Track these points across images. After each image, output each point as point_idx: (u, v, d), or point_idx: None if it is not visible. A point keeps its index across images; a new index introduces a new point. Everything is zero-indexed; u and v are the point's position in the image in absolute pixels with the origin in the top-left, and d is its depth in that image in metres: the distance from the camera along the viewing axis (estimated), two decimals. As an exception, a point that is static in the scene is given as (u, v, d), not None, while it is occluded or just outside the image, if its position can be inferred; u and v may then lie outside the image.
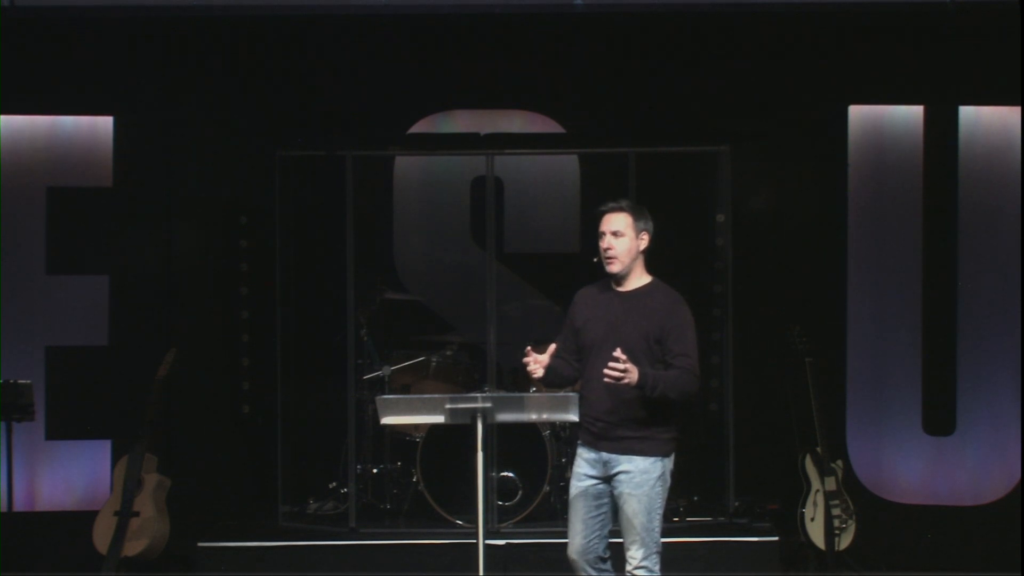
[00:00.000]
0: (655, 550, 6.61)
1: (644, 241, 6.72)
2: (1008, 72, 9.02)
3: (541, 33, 9.55)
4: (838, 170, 9.52)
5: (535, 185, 9.90)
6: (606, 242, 6.67)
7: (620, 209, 6.71)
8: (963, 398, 9.42)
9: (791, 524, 8.89)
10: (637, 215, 6.71)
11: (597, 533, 6.65)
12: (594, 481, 6.66)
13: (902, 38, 9.34)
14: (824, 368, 9.15)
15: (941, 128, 9.47)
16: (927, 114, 9.49)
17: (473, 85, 9.80)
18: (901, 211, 9.51)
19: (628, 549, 6.61)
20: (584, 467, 6.68)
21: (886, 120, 9.53)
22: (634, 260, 6.70)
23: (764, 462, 9.36)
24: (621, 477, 6.60)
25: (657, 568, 6.62)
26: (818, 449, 8.90)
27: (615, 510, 6.66)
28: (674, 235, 9.37)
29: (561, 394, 6.38)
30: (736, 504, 9.09)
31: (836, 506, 8.83)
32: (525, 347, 6.64)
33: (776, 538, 8.69)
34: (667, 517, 8.89)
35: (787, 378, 9.14)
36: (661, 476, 6.62)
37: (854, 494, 9.04)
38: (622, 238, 6.66)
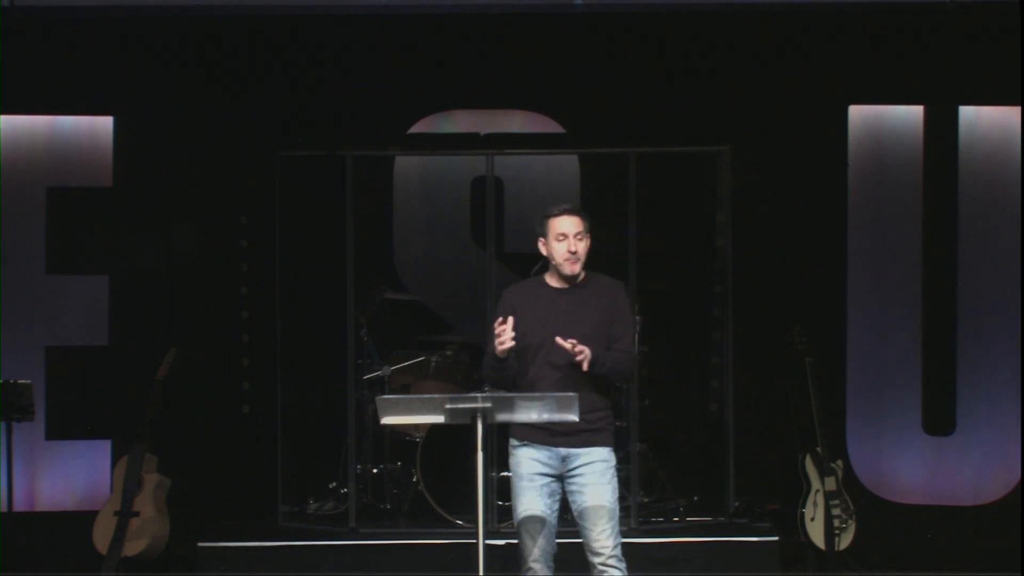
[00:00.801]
0: (620, 540, 6.61)
1: (589, 240, 6.73)
2: (1008, 72, 9.02)
3: (541, 33, 9.55)
4: (838, 170, 9.52)
5: (535, 185, 9.88)
6: (572, 244, 6.62)
7: (576, 211, 6.70)
8: (963, 398, 9.42)
9: (791, 524, 8.88)
10: (584, 216, 6.72)
11: (553, 533, 6.61)
12: (548, 479, 6.60)
13: (902, 38, 9.34)
14: (824, 368, 9.15)
15: (941, 128, 9.47)
16: (927, 114, 9.49)
17: (473, 85, 9.80)
18: (901, 211, 9.51)
19: (597, 540, 6.53)
20: (534, 467, 6.59)
21: (886, 120, 9.53)
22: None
23: (764, 462, 9.36)
24: (582, 469, 6.57)
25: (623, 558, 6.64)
26: (818, 449, 8.90)
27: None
28: (674, 235, 9.41)
29: (562, 395, 6.37)
30: (736, 504, 9.08)
31: (836, 506, 8.83)
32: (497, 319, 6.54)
33: (776, 538, 8.68)
34: (667, 517, 8.97)
35: (787, 378, 9.14)
36: (615, 465, 6.67)
37: (854, 494, 9.03)
38: (582, 241, 6.65)
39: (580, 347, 6.42)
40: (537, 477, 6.60)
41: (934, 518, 9.36)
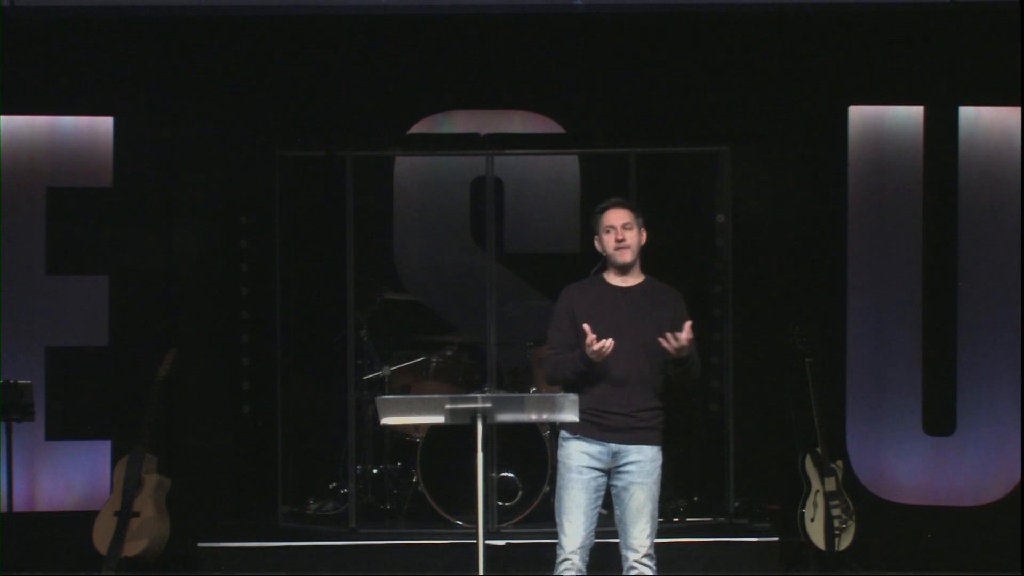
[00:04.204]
0: (655, 539, 6.77)
1: (644, 236, 6.89)
2: (1008, 72, 9.02)
3: (541, 33, 9.55)
4: (838, 170, 9.52)
5: (535, 185, 9.90)
6: (620, 233, 6.78)
7: (624, 204, 6.88)
8: (963, 398, 9.42)
9: (791, 524, 8.89)
10: (636, 211, 6.89)
11: (594, 526, 6.76)
12: (596, 473, 6.73)
13: (902, 38, 9.34)
14: (824, 368, 9.15)
15: (941, 128, 9.47)
16: (927, 114, 9.49)
17: (473, 85, 9.80)
18: (901, 211, 9.51)
19: (635, 537, 6.71)
20: (584, 460, 6.72)
21: (886, 120, 9.53)
22: (638, 253, 6.84)
23: (764, 462, 9.36)
24: (631, 468, 6.72)
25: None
26: (818, 449, 8.90)
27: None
28: (674, 235, 9.41)
29: (561, 395, 6.38)
30: (736, 504, 9.09)
31: (836, 506, 8.83)
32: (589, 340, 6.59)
33: (776, 538, 8.69)
34: (667, 517, 8.96)
35: (787, 378, 9.14)
36: (662, 465, 6.81)
37: (854, 494, 9.03)
38: (631, 230, 6.80)
39: (686, 337, 6.55)
40: (586, 470, 6.72)
41: (934, 518, 9.36)
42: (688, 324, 6.60)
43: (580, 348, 6.61)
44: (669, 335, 6.57)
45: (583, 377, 6.71)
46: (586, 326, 6.57)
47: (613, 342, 6.54)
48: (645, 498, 6.72)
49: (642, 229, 6.86)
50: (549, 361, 6.81)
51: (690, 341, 6.61)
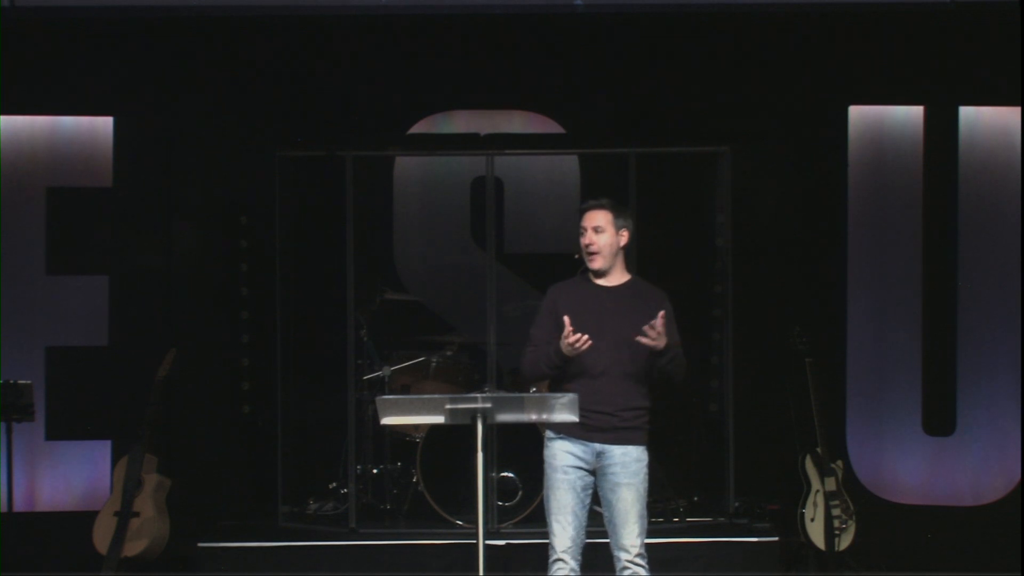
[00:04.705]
0: (644, 538, 6.73)
1: (624, 238, 6.82)
2: (1008, 72, 9.02)
3: (541, 33, 9.55)
4: (838, 170, 9.52)
5: (535, 185, 9.90)
6: (588, 237, 6.77)
7: (601, 206, 6.81)
8: (963, 398, 9.43)
9: (791, 524, 8.89)
10: (617, 212, 6.81)
11: (584, 524, 6.75)
12: (582, 473, 6.73)
13: (902, 38, 9.34)
14: (824, 368, 9.15)
15: (941, 128, 9.47)
16: (927, 114, 9.49)
17: (473, 85, 9.80)
18: (901, 211, 9.52)
19: (625, 538, 6.68)
20: (569, 459, 6.72)
21: (886, 120, 9.53)
22: (615, 256, 6.79)
23: (764, 462, 9.36)
24: (616, 468, 6.69)
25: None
26: (818, 449, 8.90)
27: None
28: (674, 235, 9.41)
29: (562, 395, 6.38)
30: (736, 504, 9.09)
31: (836, 506, 8.83)
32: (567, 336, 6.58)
33: (776, 538, 8.69)
34: (667, 517, 8.97)
35: (787, 378, 9.14)
36: (648, 464, 6.78)
37: (854, 494, 9.03)
38: (603, 234, 6.76)
39: (658, 331, 6.50)
40: (571, 470, 6.72)
41: (934, 518, 9.36)
42: (661, 314, 6.53)
43: (556, 342, 6.60)
44: (646, 326, 6.51)
45: (561, 374, 6.70)
46: (566, 318, 6.56)
47: (589, 339, 6.51)
48: (632, 498, 6.69)
49: (621, 232, 6.77)
50: (527, 356, 6.80)
51: (661, 335, 6.51)
